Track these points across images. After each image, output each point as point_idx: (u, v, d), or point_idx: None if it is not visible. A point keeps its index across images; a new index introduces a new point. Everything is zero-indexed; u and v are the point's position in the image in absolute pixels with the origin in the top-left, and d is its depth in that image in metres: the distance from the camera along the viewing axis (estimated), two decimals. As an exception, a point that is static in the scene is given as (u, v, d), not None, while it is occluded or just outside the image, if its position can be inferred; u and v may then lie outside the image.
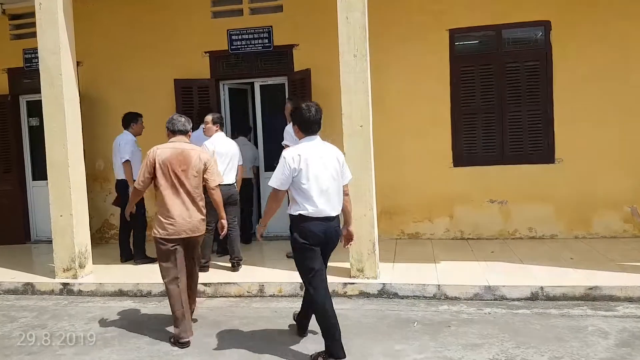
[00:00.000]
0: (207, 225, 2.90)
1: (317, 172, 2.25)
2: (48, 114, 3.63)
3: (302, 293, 2.70)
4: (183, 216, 2.64)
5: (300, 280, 2.42)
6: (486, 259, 3.70)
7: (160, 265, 2.68)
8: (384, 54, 4.27)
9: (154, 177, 2.68)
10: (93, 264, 3.88)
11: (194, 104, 4.76)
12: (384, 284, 3.21)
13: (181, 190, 2.66)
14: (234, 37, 4.75)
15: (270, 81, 4.89)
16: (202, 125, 3.93)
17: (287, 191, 2.31)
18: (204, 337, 2.68)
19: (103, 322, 2.99)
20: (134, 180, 3.91)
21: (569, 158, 4.27)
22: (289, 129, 3.60)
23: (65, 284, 3.63)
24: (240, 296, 3.36)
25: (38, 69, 3.64)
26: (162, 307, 3.15)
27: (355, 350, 2.40)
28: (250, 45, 4.72)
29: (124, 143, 4.03)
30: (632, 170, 4.15)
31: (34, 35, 3.64)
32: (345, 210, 2.42)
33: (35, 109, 4.39)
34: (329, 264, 3.50)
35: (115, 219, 4.84)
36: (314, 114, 2.30)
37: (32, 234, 5.34)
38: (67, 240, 3.65)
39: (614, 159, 4.19)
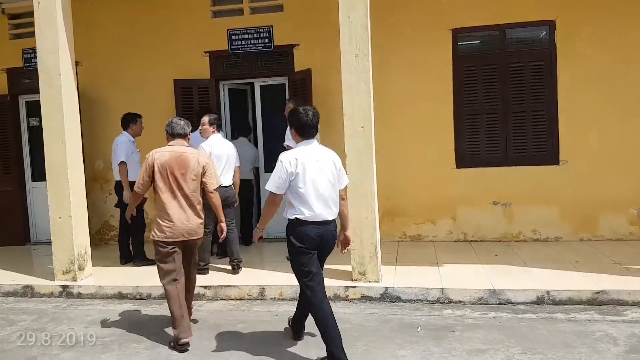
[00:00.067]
0: (205, 228, 2.89)
1: (313, 176, 2.25)
2: (47, 114, 3.60)
3: (303, 296, 2.65)
4: (181, 219, 2.65)
5: None
6: (490, 262, 3.65)
7: (158, 267, 2.68)
8: (385, 54, 4.22)
9: (153, 180, 2.68)
10: (93, 265, 3.85)
11: (193, 105, 4.72)
12: (386, 287, 3.17)
13: (179, 194, 2.66)
14: (234, 37, 4.71)
15: (270, 81, 4.85)
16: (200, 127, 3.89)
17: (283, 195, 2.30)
18: (204, 341, 2.66)
19: (102, 326, 2.96)
20: (129, 182, 3.95)
21: (574, 159, 4.22)
22: None
23: (64, 287, 3.61)
24: (240, 299, 3.33)
25: (37, 69, 3.61)
26: (162, 310, 3.11)
27: (357, 356, 2.37)
28: (251, 45, 4.68)
29: (120, 144, 4.00)
30: (638, 172, 4.09)
31: (33, 34, 3.61)
32: (342, 215, 2.42)
33: (35, 109, 4.36)
34: (330, 266, 3.54)
35: (115, 221, 4.81)
36: (311, 117, 2.31)
37: (31, 235, 5.31)
38: (66, 243, 3.62)
39: (619, 160, 4.14)
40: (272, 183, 2.26)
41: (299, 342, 2.56)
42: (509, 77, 4.27)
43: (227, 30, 4.71)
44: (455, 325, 2.72)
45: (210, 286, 3.39)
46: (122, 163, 3.96)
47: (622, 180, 4.13)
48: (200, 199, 2.74)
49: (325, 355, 2.25)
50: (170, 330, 2.72)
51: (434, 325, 2.73)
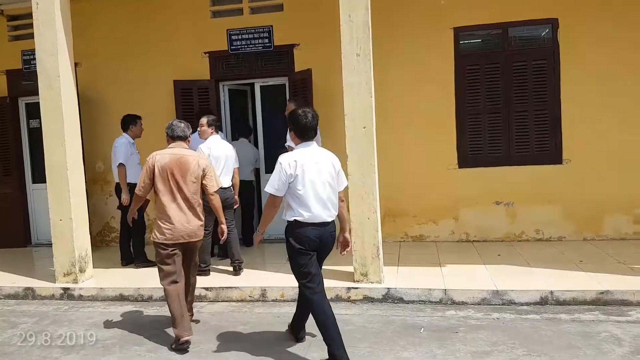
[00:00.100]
0: (204, 230, 2.88)
1: (312, 178, 2.26)
2: (46, 116, 3.58)
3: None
4: (181, 222, 2.66)
5: None
6: (493, 262, 3.63)
7: (158, 268, 2.70)
8: (386, 54, 4.20)
9: (153, 182, 2.69)
10: (94, 267, 3.85)
11: (193, 106, 4.70)
12: (388, 288, 3.15)
13: (179, 196, 2.68)
14: (233, 37, 4.69)
15: (270, 82, 4.82)
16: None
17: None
18: (204, 343, 2.64)
19: (103, 328, 2.96)
20: (127, 184, 3.94)
21: (577, 159, 4.18)
22: None
23: (65, 289, 3.60)
24: (242, 301, 3.32)
25: (36, 71, 3.59)
26: (164, 312, 3.10)
27: (360, 358, 2.35)
28: (251, 45, 4.65)
29: (119, 146, 3.99)
30: (642, 171, 4.07)
31: (32, 36, 3.59)
32: (341, 217, 2.43)
33: (35, 111, 4.34)
34: (332, 267, 3.54)
35: (116, 222, 4.80)
36: (310, 120, 2.31)
37: (32, 237, 5.31)
38: (67, 245, 3.61)
39: (623, 159, 4.11)
40: (272, 185, 2.27)
41: (301, 343, 2.55)
42: (512, 76, 4.23)
43: (227, 30, 4.69)
44: (459, 326, 2.70)
45: (211, 287, 3.38)
46: (121, 165, 3.95)
47: (626, 179, 4.09)
48: (201, 201, 2.76)
49: (327, 357, 2.23)
50: (171, 332, 2.71)
51: (437, 327, 2.71)
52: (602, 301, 2.89)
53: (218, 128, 3.81)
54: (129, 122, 4.12)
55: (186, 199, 2.68)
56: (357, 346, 2.48)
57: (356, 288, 3.18)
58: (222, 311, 3.16)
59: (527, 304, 2.96)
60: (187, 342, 2.55)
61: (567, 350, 2.35)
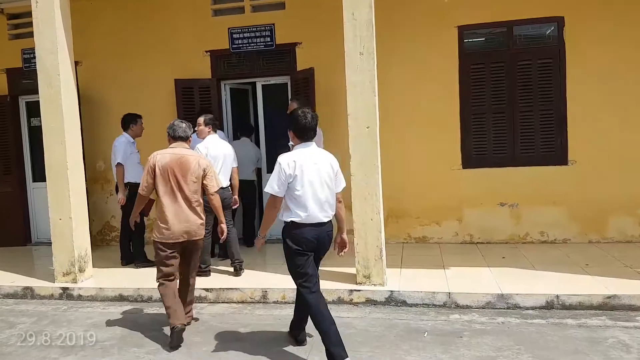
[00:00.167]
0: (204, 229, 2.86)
1: (311, 179, 2.26)
2: (46, 115, 3.55)
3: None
4: (181, 221, 2.67)
5: None
6: (497, 265, 3.58)
7: (157, 269, 2.74)
8: (389, 52, 4.14)
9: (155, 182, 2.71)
10: (93, 267, 3.82)
11: (195, 105, 4.67)
12: (391, 291, 3.10)
13: (180, 196, 2.69)
14: (235, 36, 4.64)
15: (272, 81, 4.78)
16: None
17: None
18: (204, 345, 2.62)
19: (103, 329, 2.93)
20: (127, 183, 3.92)
21: (583, 159, 4.13)
22: None
23: (64, 289, 3.57)
24: (243, 302, 3.28)
25: (36, 69, 3.56)
26: (163, 313, 3.04)
27: (362, 363, 2.31)
28: (252, 44, 4.61)
29: (118, 145, 3.97)
30: (649, 172, 4.01)
31: (32, 35, 3.56)
32: (338, 218, 2.44)
33: (36, 109, 4.32)
34: (334, 269, 3.51)
35: (116, 222, 4.77)
36: (310, 120, 2.31)
37: (32, 235, 5.29)
38: (67, 244, 3.58)
39: (630, 161, 4.05)
40: (271, 185, 2.28)
41: (302, 346, 2.51)
42: (517, 75, 4.17)
43: (228, 28, 4.65)
44: (463, 330, 2.66)
45: (211, 289, 3.34)
46: (119, 165, 3.93)
47: (632, 181, 4.03)
48: (201, 201, 2.77)
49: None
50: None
51: (440, 331, 2.67)
52: (609, 306, 2.84)
53: (216, 127, 3.76)
54: (129, 121, 4.09)
55: (187, 199, 2.70)
56: (359, 350, 2.45)
57: (359, 290, 3.14)
58: (223, 312, 3.12)
59: (533, 308, 2.91)
60: (182, 329, 2.60)
61: (574, 356, 2.30)
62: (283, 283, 3.33)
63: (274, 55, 4.64)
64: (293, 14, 4.51)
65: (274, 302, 3.24)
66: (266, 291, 3.27)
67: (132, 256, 4.08)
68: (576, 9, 4.06)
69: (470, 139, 4.29)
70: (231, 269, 3.69)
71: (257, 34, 4.60)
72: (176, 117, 4.36)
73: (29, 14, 3.63)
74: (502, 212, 4.26)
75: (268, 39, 4.59)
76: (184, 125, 2.83)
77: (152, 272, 3.16)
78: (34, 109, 5.00)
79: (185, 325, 2.66)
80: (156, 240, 2.69)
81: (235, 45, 4.66)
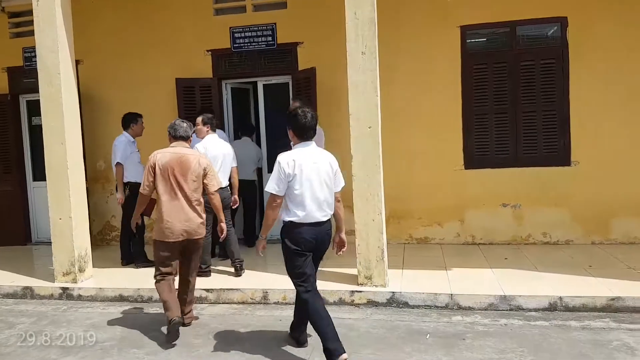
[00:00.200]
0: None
1: (310, 178, 2.27)
2: (46, 114, 3.54)
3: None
4: (181, 220, 2.68)
5: None
6: (500, 266, 3.55)
7: (155, 267, 2.75)
8: (392, 52, 4.12)
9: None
10: (94, 267, 3.81)
11: (196, 104, 4.65)
12: (393, 292, 3.08)
13: (180, 195, 2.70)
14: (236, 35, 4.63)
15: (274, 80, 4.77)
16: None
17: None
18: (204, 346, 2.60)
19: (102, 329, 2.91)
20: (127, 183, 3.90)
21: (586, 160, 4.10)
22: None
23: (64, 289, 3.56)
24: (243, 303, 3.26)
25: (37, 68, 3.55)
26: (163, 313, 3.03)
27: (364, 365, 2.29)
28: (254, 43, 4.59)
29: (118, 144, 3.95)
30: (653, 173, 3.98)
31: (33, 33, 3.54)
32: (337, 217, 2.44)
33: (37, 108, 4.31)
34: (335, 270, 3.49)
35: (117, 221, 4.75)
36: (309, 119, 2.32)
37: (32, 235, 5.28)
38: (67, 244, 3.57)
39: (632, 162, 4.02)
40: (272, 184, 2.29)
41: (303, 348, 2.50)
42: (519, 75, 4.15)
43: (230, 28, 4.63)
44: (466, 332, 2.64)
45: (212, 289, 3.33)
46: (118, 164, 3.92)
47: (635, 182, 4.01)
48: (202, 200, 2.78)
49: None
50: None
51: (443, 333, 2.65)
52: (612, 308, 2.82)
53: (214, 126, 3.73)
54: (130, 121, 4.08)
55: (187, 198, 2.70)
56: (360, 352, 2.43)
57: (360, 292, 3.12)
58: (223, 313, 3.10)
59: (536, 309, 2.89)
60: (178, 322, 2.61)
61: (578, 359, 2.28)
62: (284, 284, 3.29)
63: (275, 54, 4.62)
64: (294, 13, 4.49)
65: (275, 303, 3.21)
66: (267, 292, 3.25)
67: (133, 256, 4.06)
68: (580, 9, 4.04)
69: (472, 140, 4.27)
70: (232, 270, 3.67)
71: (259, 33, 4.58)
72: (177, 116, 4.35)
73: (30, 12, 3.62)
74: (505, 213, 4.24)
75: (269, 38, 4.57)
76: (185, 124, 2.84)
77: (152, 272, 3.15)
78: (34, 108, 4.97)
79: (182, 318, 2.67)
80: (156, 239, 2.71)
81: (237, 45, 4.64)
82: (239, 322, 2.94)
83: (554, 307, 2.88)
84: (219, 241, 3.85)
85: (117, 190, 4.14)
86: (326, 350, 2.20)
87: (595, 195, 4.07)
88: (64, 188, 3.53)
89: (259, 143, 4.82)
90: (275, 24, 4.55)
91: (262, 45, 4.58)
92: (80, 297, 3.51)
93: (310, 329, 2.42)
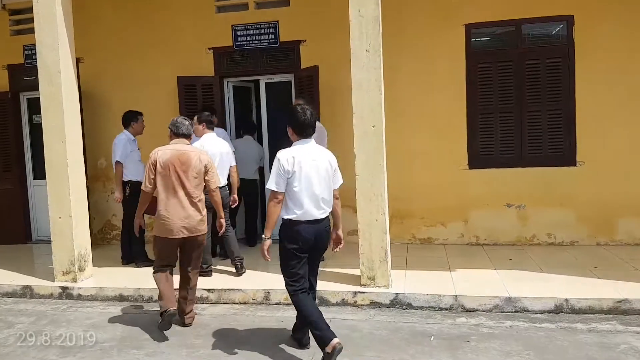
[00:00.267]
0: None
1: (309, 175, 2.27)
2: (46, 112, 3.50)
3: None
4: (180, 217, 2.68)
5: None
6: (504, 267, 3.51)
7: (155, 258, 2.78)
8: (395, 51, 4.08)
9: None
10: (94, 266, 3.78)
11: (197, 102, 4.61)
12: (396, 293, 3.05)
13: (181, 191, 2.70)
14: (238, 33, 4.59)
15: (276, 78, 4.73)
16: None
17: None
18: (205, 347, 2.57)
19: (102, 329, 2.89)
20: (128, 181, 3.88)
21: (592, 160, 4.06)
22: None
23: (64, 288, 3.53)
24: (245, 303, 3.23)
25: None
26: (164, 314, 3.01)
27: (368, 368, 2.26)
28: (256, 41, 4.56)
29: (117, 143, 3.92)
30: (659, 174, 3.94)
31: (34, 31, 3.51)
32: (335, 214, 2.44)
33: (37, 106, 4.27)
34: (338, 270, 3.46)
35: (118, 220, 4.73)
36: (309, 117, 2.32)
37: (32, 233, 5.25)
38: (67, 243, 3.54)
39: (638, 162, 3.97)
40: (272, 181, 2.28)
41: (305, 350, 2.46)
42: (525, 74, 4.10)
43: (232, 25, 4.59)
44: (470, 334, 2.60)
45: (213, 289, 3.29)
46: (118, 163, 3.89)
47: (641, 182, 3.97)
48: (202, 197, 2.78)
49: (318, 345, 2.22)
50: (174, 338, 2.68)
51: (447, 335, 2.61)
52: (619, 310, 2.78)
53: (211, 124, 3.67)
54: (130, 119, 4.04)
55: (188, 195, 2.71)
56: (363, 354, 2.40)
57: (363, 292, 3.09)
58: (224, 314, 3.07)
59: (541, 311, 2.85)
60: (173, 313, 2.65)
61: (586, 362, 2.24)
62: (286, 284, 3.28)
63: (277, 52, 4.58)
64: (297, 11, 4.45)
65: (277, 304, 3.18)
66: (269, 292, 3.21)
67: (133, 256, 4.03)
68: (586, 7, 3.99)
69: (477, 139, 4.22)
70: (233, 269, 3.64)
71: (261, 31, 4.54)
72: (179, 114, 4.31)
73: (30, 9, 3.58)
74: (509, 213, 4.19)
75: (272, 36, 4.53)
76: (187, 122, 2.85)
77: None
78: (35, 106, 4.93)
79: (177, 312, 2.70)
80: (156, 235, 2.73)
81: (239, 43, 4.60)
82: (240, 322, 2.91)
83: (560, 309, 2.84)
84: (220, 241, 3.81)
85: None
86: (320, 338, 2.20)
87: (600, 195, 4.02)
88: (64, 186, 3.50)
89: (260, 142, 4.79)
90: (277, 21, 4.51)
91: (265, 43, 4.55)
92: (80, 297, 3.48)
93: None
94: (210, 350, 2.53)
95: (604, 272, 3.28)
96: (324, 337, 2.18)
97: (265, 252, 2.33)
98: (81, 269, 3.60)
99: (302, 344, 2.49)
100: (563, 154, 4.11)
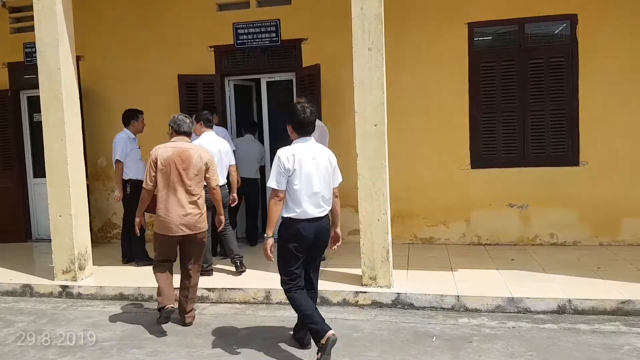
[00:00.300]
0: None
1: (309, 173, 2.26)
2: (46, 109, 3.49)
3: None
4: (180, 214, 2.68)
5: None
6: (506, 267, 3.50)
7: (155, 253, 2.80)
8: (397, 49, 4.06)
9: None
10: (94, 264, 3.77)
11: (198, 101, 4.59)
12: (398, 293, 3.03)
13: (181, 189, 2.70)
14: (240, 31, 4.56)
15: (277, 77, 4.71)
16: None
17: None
18: (205, 347, 2.55)
19: (102, 329, 2.87)
20: (128, 180, 3.87)
21: (595, 160, 4.03)
22: None
23: (64, 287, 3.51)
24: (245, 302, 3.21)
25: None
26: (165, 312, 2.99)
27: (369, 368, 2.24)
28: (257, 40, 4.53)
29: (117, 141, 3.90)
30: (663, 174, 3.92)
31: (34, 28, 3.48)
32: (333, 212, 2.44)
33: (38, 104, 4.24)
34: (339, 270, 3.45)
35: (118, 219, 4.72)
36: (308, 115, 2.30)
37: (33, 232, 5.24)
38: (67, 241, 3.53)
39: (642, 162, 3.96)
40: (273, 179, 2.27)
41: (306, 350, 2.45)
42: (528, 73, 4.08)
43: (233, 23, 4.57)
44: (473, 335, 2.58)
45: (214, 289, 3.28)
46: (117, 162, 3.87)
47: (645, 182, 3.95)
48: (203, 194, 2.78)
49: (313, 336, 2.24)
50: (174, 337, 2.67)
51: (449, 335, 2.59)
52: (623, 311, 2.76)
53: (209, 123, 3.64)
54: (130, 117, 4.02)
55: (188, 192, 2.71)
56: (365, 355, 2.38)
57: (364, 292, 3.07)
58: (225, 313, 3.06)
59: (544, 312, 2.83)
60: (171, 311, 2.67)
61: (589, 364, 2.22)
62: (287, 284, 3.26)
63: (279, 51, 4.56)
64: (299, 9, 4.43)
65: (278, 303, 3.16)
66: (269, 292, 3.20)
67: (133, 254, 4.02)
68: (590, 6, 3.96)
69: (479, 138, 4.20)
70: (233, 269, 3.62)
71: (262, 29, 4.52)
72: (179, 113, 4.29)
73: (30, 7, 3.56)
74: (511, 213, 4.17)
75: (273, 35, 4.51)
76: (188, 120, 2.84)
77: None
78: (35, 104, 4.91)
79: (174, 308, 2.72)
80: (156, 232, 2.74)
81: (240, 41, 4.58)
82: (241, 322, 2.89)
83: (563, 310, 2.82)
84: (221, 240, 3.79)
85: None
86: (316, 331, 2.21)
87: (603, 196, 4.00)
88: (63, 185, 3.49)
89: (261, 141, 4.76)
90: (279, 20, 4.48)
91: (266, 42, 4.52)
92: (80, 296, 3.47)
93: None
94: (211, 349, 2.52)
95: (607, 273, 3.26)
96: (320, 330, 2.20)
97: (268, 251, 2.32)
98: (81, 268, 3.58)
99: (304, 344, 2.47)
100: (566, 153, 4.08)
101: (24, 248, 4.92)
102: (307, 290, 2.45)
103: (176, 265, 2.88)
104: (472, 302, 2.92)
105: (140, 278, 3.56)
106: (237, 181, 3.84)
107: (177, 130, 2.80)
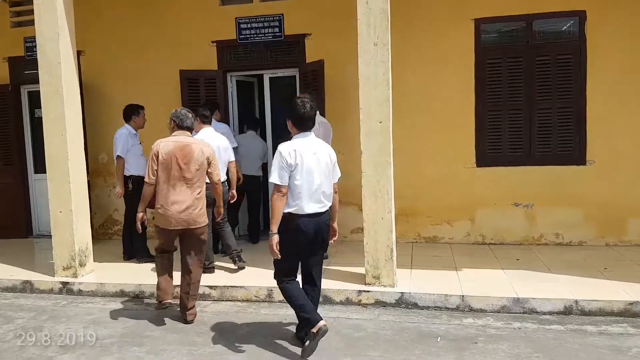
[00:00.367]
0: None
1: (311, 168, 2.26)
2: (46, 104, 3.45)
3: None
4: (180, 209, 2.67)
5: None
6: (511, 267, 3.45)
7: (155, 245, 2.82)
8: (403, 45, 4.00)
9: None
10: (95, 261, 3.74)
11: (200, 96, 4.55)
12: (402, 292, 2.99)
13: (182, 183, 2.69)
14: (242, 26, 4.51)
15: (280, 73, 4.66)
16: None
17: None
18: (206, 345, 2.53)
19: (102, 326, 2.85)
20: (130, 176, 3.84)
21: (602, 159, 3.98)
22: None
23: (64, 283, 3.49)
24: (247, 300, 3.18)
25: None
26: (165, 311, 2.97)
27: (373, 369, 2.21)
28: (260, 35, 4.48)
29: (118, 137, 3.86)
30: (671, 174, 3.86)
31: (34, 22, 3.43)
32: (332, 207, 2.43)
33: (39, 99, 4.20)
34: (342, 268, 3.41)
35: (119, 215, 4.69)
36: (308, 110, 2.28)
37: (34, 228, 5.22)
38: (67, 238, 3.50)
39: (650, 161, 3.90)
40: (275, 174, 2.25)
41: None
42: (535, 71, 4.02)
43: (236, 18, 4.52)
44: (478, 336, 2.55)
45: (216, 286, 3.25)
46: (119, 158, 3.84)
47: (652, 182, 3.89)
48: (203, 189, 2.77)
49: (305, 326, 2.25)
50: (175, 335, 2.65)
51: (454, 336, 2.56)
52: (630, 313, 2.72)
53: (207, 119, 3.59)
54: (131, 113, 3.98)
55: (188, 187, 2.70)
56: (368, 354, 2.35)
57: (368, 291, 3.03)
58: (227, 311, 3.03)
59: (550, 313, 2.79)
60: (168, 304, 2.74)
61: (597, 366, 2.19)
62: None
63: (282, 46, 4.51)
64: (303, 3, 4.37)
65: (280, 302, 3.12)
66: (272, 290, 3.16)
67: (134, 251, 3.99)
68: (598, 3, 3.89)
69: (485, 136, 4.15)
70: (235, 266, 3.59)
71: (265, 24, 4.46)
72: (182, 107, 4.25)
73: (31, 1, 3.51)
74: (517, 212, 4.12)
75: (276, 30, 4.45)
76: (191, 115, 2.83)
77: (154, 267, 3.08)
78: (36, 99, 4.87)
79: (171, 303, 2.77)
80: (157, 225, 2.76)
81: (243, 36, 4.53)
82: (243, 320, 2.87)
83: (570, 311, 2.78)
84: (221, 238, 3.76)
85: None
86: (307, 320, 2.23)
87: (610, 195, 3.95)
88: (64, 181, 3.46)
89: (264, 138, 4.72)
90: (282, 14, 4.43)
91: (269, 37, 4.47)
92: (80, 292, 3.44)
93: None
94: (212, 347, 2.50)
95: (613, 274, 3.22)
96: (311, 319, 2.22)
97: (275, 248, 2.26)
98: (82, 264, 3.56)
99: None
100: (573, 152, 4.03)
101: (25, 244, 4.90)
102: (310, 287, 2.43)
103: (177, 265, 2.86)
104: (477, 302, 2.89)
105: (142, 275, 3.54)
106: (239, 178, 3.80)
107: (179, 125, 2.78)
